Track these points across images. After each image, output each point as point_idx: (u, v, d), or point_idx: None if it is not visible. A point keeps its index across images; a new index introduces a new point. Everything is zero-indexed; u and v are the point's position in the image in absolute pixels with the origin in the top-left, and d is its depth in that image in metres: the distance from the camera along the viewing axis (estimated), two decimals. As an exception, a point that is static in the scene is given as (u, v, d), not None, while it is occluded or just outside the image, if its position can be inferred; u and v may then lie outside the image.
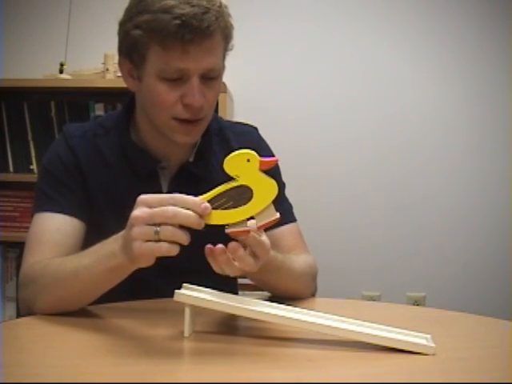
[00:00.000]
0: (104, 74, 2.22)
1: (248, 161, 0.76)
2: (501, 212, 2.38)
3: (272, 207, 0.78)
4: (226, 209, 0.77)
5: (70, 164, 1.08)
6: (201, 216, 0.76)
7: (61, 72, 2.25)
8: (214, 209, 0.77)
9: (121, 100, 2.22)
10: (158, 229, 0.75)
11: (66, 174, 1.08)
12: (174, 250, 0.76)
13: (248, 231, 0.78)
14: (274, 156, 1.22)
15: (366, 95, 2.43)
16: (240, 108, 2.37)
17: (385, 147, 2.43)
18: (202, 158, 1.13)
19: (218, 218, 0.77)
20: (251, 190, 0.77)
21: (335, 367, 0.74)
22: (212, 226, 0.77)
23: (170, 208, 0.75)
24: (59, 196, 1.06)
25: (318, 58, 2.44)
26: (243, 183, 0.77)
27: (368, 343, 0.79)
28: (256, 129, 1.25)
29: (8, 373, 0.67)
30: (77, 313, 0.92)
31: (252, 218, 0.78)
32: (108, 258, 0.83)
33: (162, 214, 0.75)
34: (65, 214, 1.04)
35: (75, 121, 2.14)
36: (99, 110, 2.26)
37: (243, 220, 0.78)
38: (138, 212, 0.76)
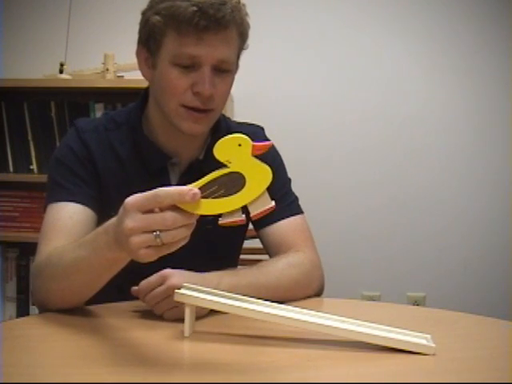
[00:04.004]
0: (104, 74, 2.22)
1: (240, 145, 0.71)
2: (501, 212, 2.38)
3: (266, 195, 0.73)
4: (217, 197, 0.71)
5: (83, 157, 1.09)
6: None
7: (61, 72, 2.26)
8: (204, 197, 0.71)
9: (121, 100, 2.23)
10: (158, 233, 0.71)
11: (79, 164, 1.08)
12: (182, 243, 0.73)
13: (242, 220, 0.73)
14: (278, 155, 1.23)
15: (367, 93, 2.43)
16: (240, 108, 2.37)
17: (385, 148, 2.43)
18: (212, 155, 1.13)
19: (209, 207, 0.71)
20: (244, 177, 0.72)
21: (335, 367, 0.74)
22: (204, 216, 0.72)
23: (169, 215, 0.70)
24: (72, 185, 1.06)
25: (319, 58, 2.44)
26: (235, 170, 0.71)
27: (368, 343, 0.79)
28: (262, 129, 1.26)
29: (8, 373, 0.67)
30: (76, 313, 0.92)
31: (245, 206, 0.73)
32: (104, 250, 0.81)
33: (162, 222, 0.70)
34: (77, 202, 1.04)
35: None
36: (99, 109, 2.26)
37: (236, 209, 0.72)
38: (132, 222, 0.71)
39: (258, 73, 2.40)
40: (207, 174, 0.71)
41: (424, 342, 0.78)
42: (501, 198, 2.38)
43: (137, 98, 1.16)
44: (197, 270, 0.94)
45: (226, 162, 0.72)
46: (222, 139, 0.72)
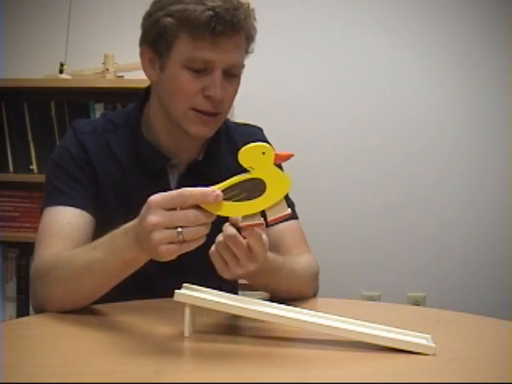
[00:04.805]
0: (104, 74, 2.22)
1: (263, 154, 0.76)
2: (501, 212, 2.38)
3: (284, 202, 0.77)
4: (238, 200, 0.76)
5: (81, 160, 1.09)
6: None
7: (61, 72, 2.25)
8: (226, 200, 0.75)
9: (121, 100, 2.23)
10: (180, 230, 0.73)
11: (77, 168, 1.08)
12: (200, 242, 0.76)
13: (261, 224, 0.78)
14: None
15: (367, 94, 2.43)
16: (240, 108, 2.37)
17: (385, 149, 2.43)
18: (211, 157, 1.13)
19: (230, 209, 0.76)
20: (264, 184, 0.76)
21: (335, 367, 0.74)
22: (224, 217, 0.76)
23: (191, 213, 0.74)
24: (69, 190, 1.06)
25: (319, 58, 2.44)
26: (257, 176, 0.76)
27: (368, 343, 0.79)
28: (261, 129, 1.26)
29: (8, 373, 0.67)
30: (76, 312, 0.92)
31: (263, 211, 0.77)
32: (123, 251, 0.83)
33: (185, 219, 0.73)
34: (75, 207, 1.04)
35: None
36: (99, 109, 2.26)
37: (256, 213, 0.77)
38: (156, 217, 0.74)
39: (258, 73, 2.39)
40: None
41: (424, 341, 0.78)
42: (501, 198, 2.37)
43: (137, 98, 1.16)
44: (199, 272, 0.94)
45: (248, 168, 0.76)
46: (247, 146, 0.76)
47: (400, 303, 1.20)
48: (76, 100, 2.28)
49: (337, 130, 2.44)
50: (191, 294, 0.82)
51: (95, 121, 1.17)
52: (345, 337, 0.80)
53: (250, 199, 0.76)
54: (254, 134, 1.23)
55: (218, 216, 0.76)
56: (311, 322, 0.81)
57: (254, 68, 2.42)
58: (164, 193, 0.75)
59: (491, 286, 2.36)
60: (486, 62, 2.38)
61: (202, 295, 0.82)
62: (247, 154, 0.76)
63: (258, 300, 0.84)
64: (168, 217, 0.74)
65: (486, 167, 2.39)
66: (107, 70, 2.21)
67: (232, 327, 0.88)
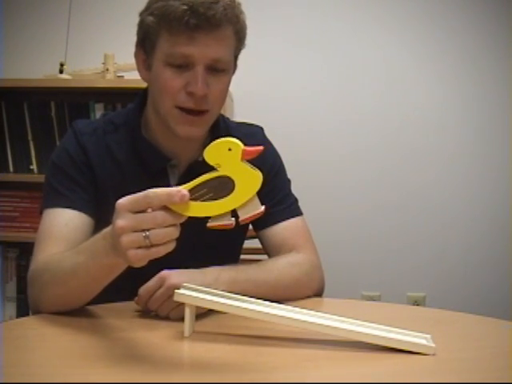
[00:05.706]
0: (104, 74, 2.22)
1: (230, 150, 0.72)
2: (501, 212, 2.38)
3: (256, 199, 0.73)
4: (206, 200, 0.72)
5: (80, 161, 1.08)
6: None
7: (61, 72, 2.26)
8: (193, 200, 0.72)
9: (121, 100, 2.23)
10: (148, 233, 0.71)
11: (76, 170, 1.08)
12: (170, 247, 0.73)
13: (231, 224, 0.74)
14: (279, 156, 1.23)
15: (367, 93, 2.43)
16: (240, 108, 2.37)
17: (385, 148, 2.43)
18: None
19: (199, 209, 0.72)
20: (233, 181, 0.72)
21: (335, 367, 0.74)
22: (194, 218, 0.72)
23: (159, 214, 0.71)
24: (68, 191, 1.06)
25: (318, 58, 2.44)
26: (224, 173, 0.72)
27: (368, 343, 0.79)
28: (261, 129, 1.26)
29: (8, 373, 0.67)
30: (76, 313, 0.92)
31: (235, 210, 0.73)
32: (102, 255, 0.81)
33: (152, 220, 0.71)
34: (74, 209, 1.04)
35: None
36: (99, 110, 2.26)
37: (226, 212, 0.73)
38: (123, 221, 0.72)
39: (258, 72, 2.40)
40: None
41: (424, 342, 0.78)
42: (501, 198, 2.38)
43: (136, 98, 1.16)
44: None
45: (215, 166, 0.72)
46: (213, 143, 0.72)
47: (400, 303, 1.20)
48: (76, 100, 2.28)
49: (337, 129, 2.44)
50: (191, 293, 0.82)
51: (95, 122, 1.16)
52: (345, 337, 0.80)
53: (218, 198, 0.72)
54: (255, 133, 1.23)
55: (192, 219, 0.73)
56: (311, 322, 0.81)
57: (254, 67, 2.43)
58: (131, 195, 0.73)
59: (491, 286, 2.36)
60: (486, 61, 2.38)
61: (202, 295, 0.82)
62: (213, 151, 0.72)
63: (257, 300, 0.84)
64: (135, 219, 0.71)
65: (485, 167, 2.39)
66: (107, 70, 2.21)
67: (232, 327, 0.88)
